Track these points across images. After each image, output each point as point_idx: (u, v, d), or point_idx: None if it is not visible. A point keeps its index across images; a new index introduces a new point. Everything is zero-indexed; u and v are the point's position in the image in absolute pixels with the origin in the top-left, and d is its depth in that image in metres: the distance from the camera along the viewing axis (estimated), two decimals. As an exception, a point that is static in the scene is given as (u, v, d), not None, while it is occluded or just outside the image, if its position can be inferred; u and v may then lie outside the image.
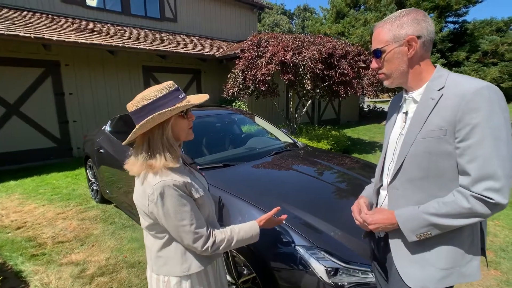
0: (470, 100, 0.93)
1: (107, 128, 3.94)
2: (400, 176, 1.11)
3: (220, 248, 1.15)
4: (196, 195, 1.13)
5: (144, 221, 1.17)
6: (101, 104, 7.26)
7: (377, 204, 1.28)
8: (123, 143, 1.12)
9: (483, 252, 1.13)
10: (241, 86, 6.39)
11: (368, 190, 1.40)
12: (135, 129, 1.04)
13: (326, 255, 1.65)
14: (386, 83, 1.16)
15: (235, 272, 1.98)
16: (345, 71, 6.13)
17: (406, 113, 1.15)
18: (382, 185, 1.25)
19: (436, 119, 1.00)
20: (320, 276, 1.59)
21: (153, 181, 1.05)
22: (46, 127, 6.50)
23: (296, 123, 7.35)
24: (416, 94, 1.10)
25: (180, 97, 1.10)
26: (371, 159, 6.61)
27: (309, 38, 6.45)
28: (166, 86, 1.08)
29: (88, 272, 2.62)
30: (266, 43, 6.37)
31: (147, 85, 7.97)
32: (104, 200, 4.03)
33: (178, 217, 1.07)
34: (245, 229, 1.24)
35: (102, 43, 6.29)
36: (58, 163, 6.37)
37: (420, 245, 1.08)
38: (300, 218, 1.91)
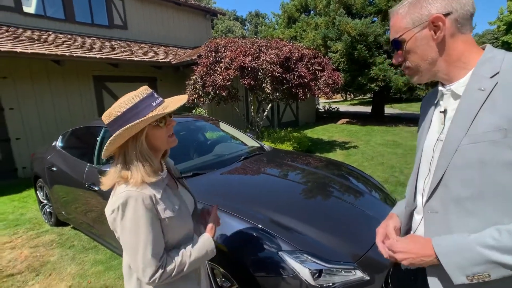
0: None
1: (59, 143, 3.63)
2: (440, 195, 0.85)
3: (170, 277, 1.03)
4: (164, 215, 1.02)
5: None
6: (49, 119, 6.64)
7: (409, 231, 1.02)
8: (102, 157, 1.05)
9: None
10: (200, 92, 6.30)
11: (400, 207, 1.09)
12: (106, 144, 0.97)
13: (309, 257, 1.64)
14: (415, 80, 0.92)
15: (215, 286, 1.90)
16: (302, 73, 6.29)
17: (445, 112, 0.89)
18: (416, 206, 0.97)
19: (489, 117, 0.76)
20: (305, 279, 1.57)
21: (119, 191, 0.99)
22: (-16, 146, 5.80)
23: (258, 127, 7.41)
24: (457, 85, 0.85)
25: (154, 103, 1.00)
26: (332, 157, 6.76)
27: (266, 42, 6.56)
28: (137, 94, 1.00)
29: (47, 305, 2.35)
30: (223, 48, 6.35)
31: (99, 96, 7.49)
32: (59, 223, 3.68)
33: (133, 235, 0.97)
34: (197, 249, 1.10)
35: (46, 52, 5.79)
36: (0, 186, 5.66)
37: None
38: (278, 221, 1.90)
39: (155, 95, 1.04)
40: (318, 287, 1.57)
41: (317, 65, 7.14)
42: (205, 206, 1.98)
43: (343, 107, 20.45)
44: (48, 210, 3.79)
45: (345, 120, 13.62)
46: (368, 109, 17.36)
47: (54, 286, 2.59)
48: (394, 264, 1.08)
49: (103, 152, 1.01)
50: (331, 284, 1.59)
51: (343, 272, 1.62)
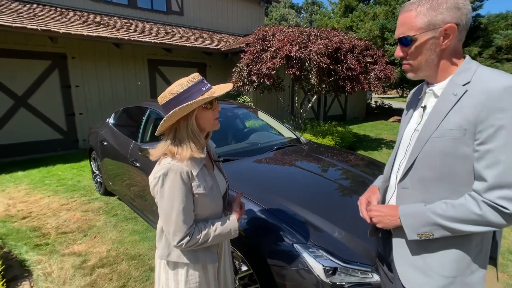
0: (497, 98, 0.84)
1: (111, 121, 3.96)
2: (411, 175, 1.03)
3: (195, 245, 1.16)
4: (196, 191, 1.14)
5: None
6: (107, 97, 7.31)
7: (383, 202, 1.21)
8: (156, 134, 1.18)
9: (494, 263, 1.06)
10: (246, 80, 6.32)
11: (378, 181, 1.32)
12: (161, 122, 1.11)
13: (325, 254, 1.63)
14: (410, 75, 1.04)
15: (233, 268, 1.98)
16: (351, 66, 6.02)
17: (424, 107, 1.05)
18: (389, 183, 1.18)
19: (456, 117, 0.91)
20: (317, 275, 1.57)
21: (164, 162, 1.12)
22: (53, 119, 6.58)
23: (301, 119, 7.26)
24: (438, 87, 1.00)
25: (204, 88, 1.12)
26: (376, 156, 6.51)
27: (316, 32, 6.31)
28: (190, 79, 1.12)
29: (89, 263, 2.65)
30: (271, 37, 6.26)
31: (152, 79, 7.99)
32: (107, 192, 4.07)
33: (169, 202, 1.10)
34: (222, 226, 1.22)
35: (108, 36, 6.29)
36: (64, 155, 6.44)
37: (423, 248, 1.01)
38: (300, 215, 1.90)
39: (205, 81, 1.16)
40: (330, 284, 1.56)
41: (369, 57, 6.74)
42: (231, 193, 2.08)
43: (397, 104, 19.22)
44: (99, 180, 4.20)
45: (397, 118, 12.84)
46: None
47: (96, 248, 2.90)
48: (375, 230, 1.28)
49: (158, 128, 1.14)
50: (344, 283, 1.56)
51: (359, 273, 1.59)
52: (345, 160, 3.01)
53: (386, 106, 16.55)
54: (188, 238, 1.12)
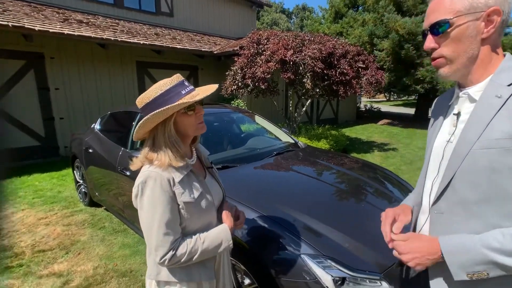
0: None
1: (97, 126, 3.71)
2: (448, 197, 0.86)
3: (180, 261, 1.04)
4: (181, 198, 1.04)
5: None
6: (91, 101, 6.91)
7: (414, 229, 1.03)
8: (133, 139, 1.12)
9: None
10: (240, 84, 6.24)
11: (411, 200, 1.13)
12: (136, 128, 1.03)
13: (333, 264, 1.56)
14: (443, 72, 0.87)
15: (235, 282, 1.86)
16: (345, 70, 6.08)
17: (458, 114, 0.90)
18: (422, 206, 1.00)
19: (503, 124, 0.76)
20: (326, 286, 1.50)
21: (142, 170, 1.05)
22: (29, 124, 6.06)
23: (296, 122, 7.27)
24: (475, 90, 0.85)
25: (184, 92, 1.03)
26: (369, 158, 6.61)
27: (309, 36, 6.36)
28: (168, 82, 1.03)
29: (72, 284, 2.39)
30: (266, 41, 6.22)
31: (141, 81, 7.71)
32: (93, 203, 3.79)
33: (149, 213, 1.01)
34: (211, 236, 1.10)
35: (92, 35, 5.97)
36: (42, 164, 5.95)
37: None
38: (305, 223, 1.83)
39: (186, 83, 1.06)
40: None
41: (360, 62, 6.90)
42: (232, 202, 1.92)
43: (385, 108, 19.71)
44: (83, 190, 3.92)
45: (386, 121, 13.11)
46: (411, 111, 16.84)
47: (81, 266, 2.64)
48: (399, 264, 1.11)
49: (134, 135, 1.07)
50: None
51: (368, 282, 1.54)
52: (344, 164, 2.99)
53: (375, 109, 17.02)
54: (171, 252, 1.01)
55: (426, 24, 0.87)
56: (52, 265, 2.65)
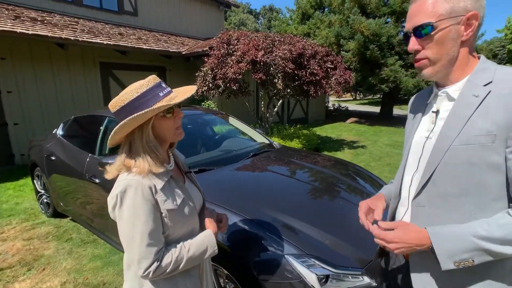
0: None
1: (60, 131, 3.47)
2: (429, 190, 0.90)
3: (166, 272, 0.99)
4: (164, 206, 0.98)
5: None
6: (50, 105, 6.44)
7: (393, 220, 1.07)
8: (108, 146, 1.04)
9: None
10: (210, 85, 6.14)
11: (388, 188, 1.17)
12: (111, 133, 0.96)
13: (317, 262, 1.58)
14: (426, 73, 0.90)
15: (217, 287, 1.84)
16: (314, 71, 6.17)
17: (437, 112, 0.94)
18: (400, 199, 1.03)
19: (481, 122, 0.81)
20: (312, 285, 1.51)
21: (120, 179, 0.98)
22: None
23: (268, 123, 7.29)
24: (453, 89, 0.90)
25: (162, 94, 0.97)
26: (340, 156, 6.80)
27: (279, 37, 6.40)
28: (144, 83, 0.97)
29: (38, 304, 2.19)
30: (236, 41, 6.16)
31: (105, 83, 7.33)
32: (57, 214, 3.53)
33: (130, 224, 0.95)
34: (196, 243, 1.06)
35: (49, 34, 5.56)
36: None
37: (449, 280, 0.87)
38: (287, 223, 1.83)
39: (163, 85, 1.01)
40: None
41: (329, 63, 7.02)
42: (211, 207, 1.86)
43: (352, 106, 20.35)
44: (45, 200, 3.64)
45: (353, 119, 13.52)
46: (376, 109, 17.43)
47: (47, 282, 2.44)
48: (379, 253, 1.15)
49: (108, 141, 1.00)
50: None
51: (350, 277, 1.57)
52: (319, 163, 3.05)
53: (343, 108, 17.55)
54: (156, 264, 0.95)
55: (409, 26, 0.89)
56: (12, 284, 2.43)
